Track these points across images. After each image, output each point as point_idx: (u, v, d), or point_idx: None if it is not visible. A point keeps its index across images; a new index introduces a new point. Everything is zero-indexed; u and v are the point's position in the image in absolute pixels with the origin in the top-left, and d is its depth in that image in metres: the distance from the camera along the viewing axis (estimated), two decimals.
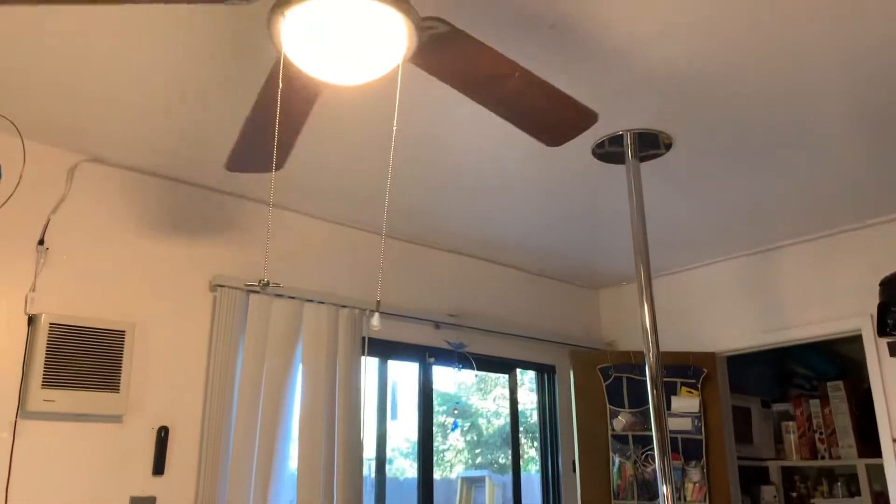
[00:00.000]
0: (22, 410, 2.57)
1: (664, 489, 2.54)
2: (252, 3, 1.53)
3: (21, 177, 2.58)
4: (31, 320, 2.65)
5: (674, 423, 3.76)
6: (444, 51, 1.69)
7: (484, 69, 1.80)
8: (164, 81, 2.38)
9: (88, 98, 2.47)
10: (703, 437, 3.81)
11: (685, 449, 3.79)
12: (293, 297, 3.26)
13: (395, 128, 1.77)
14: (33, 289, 2.68)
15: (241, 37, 2.13)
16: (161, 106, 2.54)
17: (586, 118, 2.08)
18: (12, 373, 2.58)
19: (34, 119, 2.60)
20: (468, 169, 3.07)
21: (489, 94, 1.92)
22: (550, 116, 2.04)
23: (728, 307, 4.18)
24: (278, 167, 2.13)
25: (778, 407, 5.07)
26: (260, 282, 1.73)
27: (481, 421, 4.89)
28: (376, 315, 1.71)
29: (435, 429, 3.91)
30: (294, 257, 3.43)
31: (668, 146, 2.86)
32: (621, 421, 3.86)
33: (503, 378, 4.46)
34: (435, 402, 3.93)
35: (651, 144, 2.82)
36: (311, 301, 3.32)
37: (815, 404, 4.85)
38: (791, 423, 4.92)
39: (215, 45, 2.17)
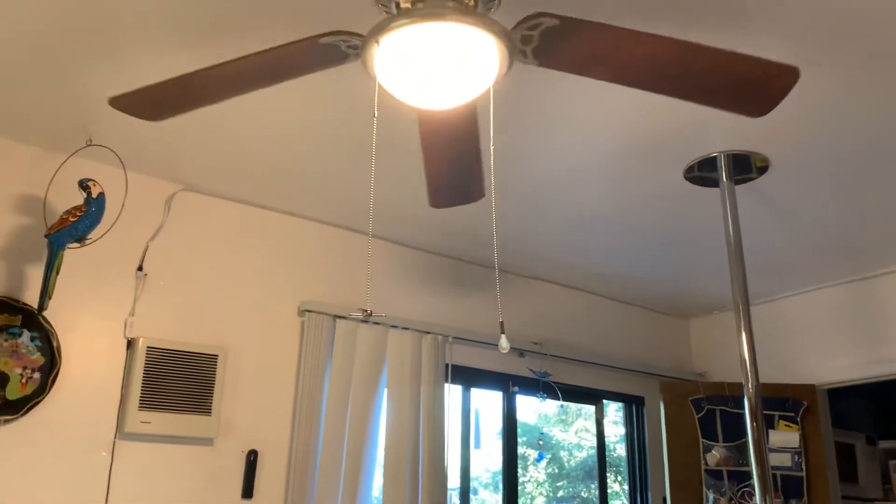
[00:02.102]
0: (120, 431, 2.65)
1: None
2: (355, 61, 1.58)
3: (123, 206, 2.69)
4: (130, 344, 2.74)
5: (772, 459, 3.57)
6: (566, 43, 1.60)
7: (634, 53, 1.62)
8: (256, 113, 2.45)
9: (184, 130, 2.56)
10: (803, 473, 3.60)
11: (784, 486, 3.59)
12: (378, 324, 3.28)
13: (492, 146, 1.74)
14: (132, 313, 2.78)
15: (335, 75, 2.17)
16: (253, 137, 2.61)
17: (788, 73, 1.67)
18: (112, 394, 2.67)
19: (136, 151, 2.72)
20: (555, 195, 3.03)
21: (655, 78, 1.71)
22: (740, 85, 1.71)
23: (828, 337, 3.96)
24: (478, 197, 2.24)
25: (885, 444, 4.76)
26: (363, 311, 1.73)
27: (563, 453, 4.77)
28: (503, 336, 1.67)
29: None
30: (378, 283, 3.45)
31: (764, 168, 2.74)
32: (715, 455, 3.69)
33: (585, 409, 4.35)
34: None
35: (745, 166, 2.72)
36: (395, 327, 3.33)
37: None
38: None
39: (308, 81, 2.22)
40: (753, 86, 1.70)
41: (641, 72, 1.69)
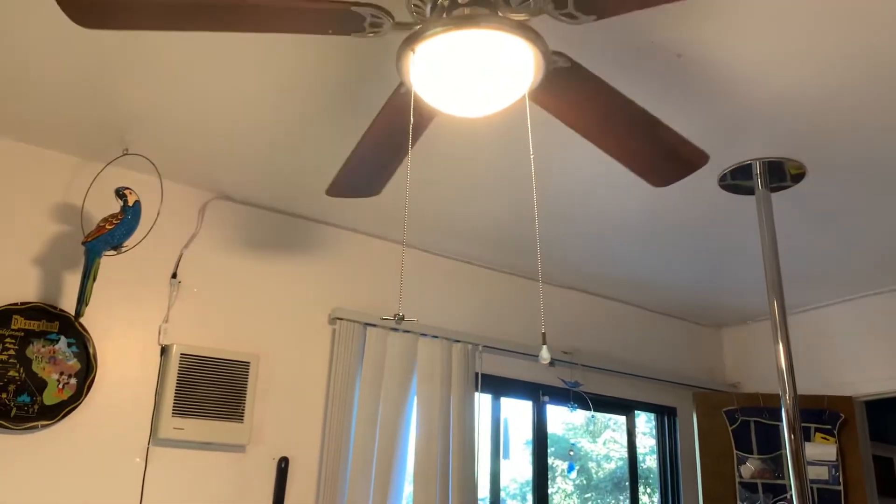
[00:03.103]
0: (154, 438, 2.67)
1: None
2: (382, 35, 1.55)
3: (158, 214, 2.72)
4: (164, 350, 2.77)
5: (809, 472, 3.50)
6: (561, 87, 1.67)
7: (599, 107, 1.76)
8: (289, 122, 2.47)
9: (219, 139, 2.59)
10: (841, 487, 3.52)
11: (821, 500, 3.52)
12: (408, 332, 3.27)
13: (532, 155, 1.74)
14: (166, 320, 2.81)
15: (369, 80, 2.18)
16: (285, 146, 2.63)
17: (696, 159, 2.04)
18: (146, 400, 2.70)
19: (171, 160, 2.75)
20: (587, 203, 3.01)
21: (600, 132, 1.89)
22: (658, 156, 2.00)
23: (866, 348, 3.88)
24: (375, 193, 2.19)
25: None
26: (395, 316, 1.72)
27: (591, 464, 4.72)
28: (544, 347, 1.66)
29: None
30: (408, 291, 3.45)
31: (800, 176, 2.70)
32: (750, 468, 3.63)
33: (614, 420, 4.30)
34: None
35: (781, 174, 2.68)
36: (425, 335, 3.32)
37: None
38: None
39: (342, 90, 2.23)
40: (669, 161, 2.02)
41: (599, 129, 1.89)
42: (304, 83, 2.24)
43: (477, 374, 3.44)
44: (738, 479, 3.63)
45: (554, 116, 1.80)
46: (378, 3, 1.52)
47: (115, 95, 2.35)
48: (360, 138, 1.96)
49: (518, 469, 3.88)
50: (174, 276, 2.87)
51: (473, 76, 1.53)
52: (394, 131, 1.85)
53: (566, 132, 2.43)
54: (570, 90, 1.71)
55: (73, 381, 2.55)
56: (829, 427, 3.63)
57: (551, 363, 3.80)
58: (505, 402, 3.69)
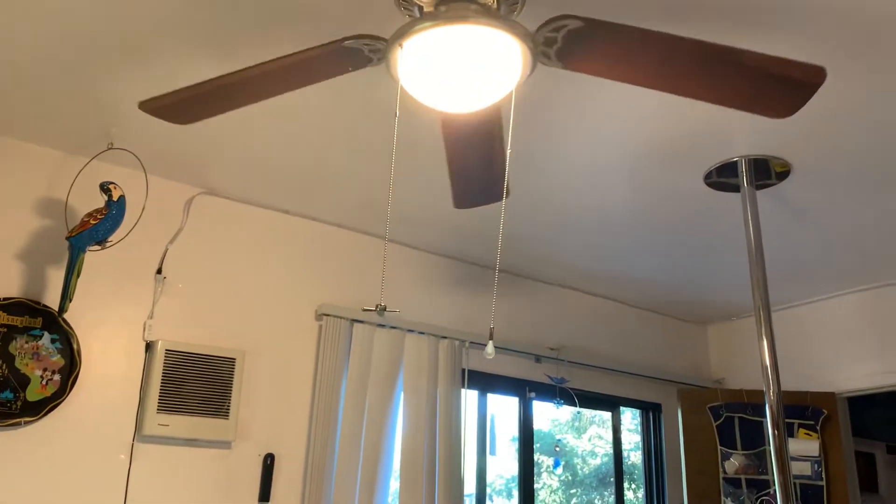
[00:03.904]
0: (139, 434, 2.66)
1: None
2: (378, 64, 1.58)
3: (143, 209, 2.70)
4: (149, 346, 2.75)
5: (792, 468, 3.52)
6: (590, 45, 1.59)
7: (651, 50, 1.60)
8: (276, 118, 2.45)
9: (204, 134, 2.58)
10: (823, 482, 3.56)
11: (804, 495, 3.56)
12: (395, 328, 3.27)
13: (508, 150, 1.73)
14: (151, 316, 2.79)
15: (354, 77, 2.17)
16: (272, 142, 2.62)
17: (814, 73, 1.63)
18: (131, 397, 2.68)
19: (156, 154, 2.73)
20: (573, 200, 3.02)
21: (666, 78, 1.68)
22: (769, 81, 1.66)
23: (849, 344, 3.92)
24: (499, 198, 2.19)
25: None
26: (377, 306, 1.72)
27: (576, 460, 4.74)
28: (490, 343, 1.66)
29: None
30: (395, 288, 3.45)
31: (785, 174, 2.72)
32: (734, 463, 3.66)
33: (599, 416, 4.32)
34: None
35: (766, 172, 2.70)
36: (412, 331, 3.32)
37: None
38: None
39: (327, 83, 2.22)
40: (778, 86, 1.66)
41: (664, 73, 1.67)
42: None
43: (464, 370, 3.44)
44: (722, 475, 3.65)
45: (614, 79, 1.70)
46: (362, 32, 1.58)
47: (101, 89, 2.33)
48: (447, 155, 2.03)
49: (504, 465, 3.89)
50: (159, 271, 2.85)
51: (461, 72, 1.53)
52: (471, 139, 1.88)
53: (553, 126, 2.45)
54: (601, 46, 1.60)
55: (57, 377, 2.53)
56: (812, 423, 3.66)
57: (537, 359, 3.82)
58: (491, 398, 3.70)
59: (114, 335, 2.71)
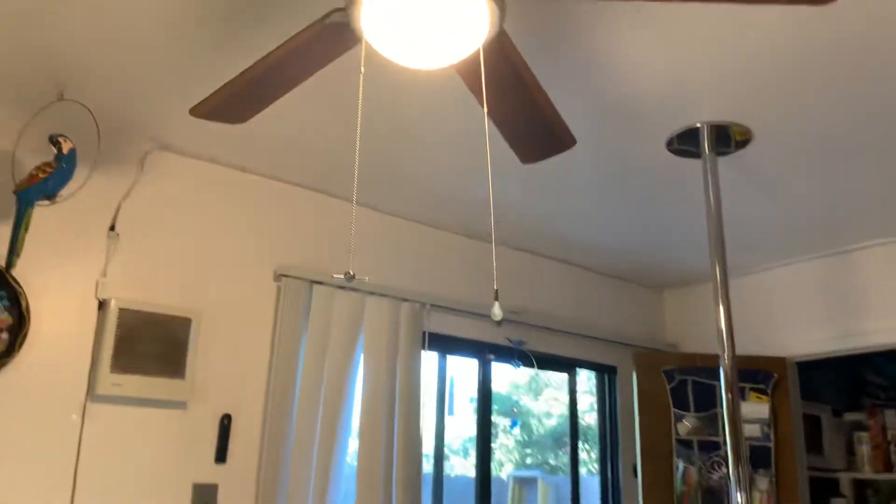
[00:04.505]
0: (91, 394, 2.60)
1: (739, 498, 2.43)
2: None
3: (95, 163, 2.61)
4: (102, 305, 2.68)
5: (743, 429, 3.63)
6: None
7: (510, 80, 1.76)
8: (232, 71, 2.38)
9: (159, 87, 2.49)
10: (772, 444, 3.67)
11: (753, 456, 3.66)
12: (356, 290, 3.25)
13: (486, 109, 1.70)
14: (104, 274, 2.72)
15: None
16: None
17: (567, 139, 2.09)
18: (82, 356, 2.62)
19: (109, 107, 2.63)
20: (535, 164, 2.99)
21: (500, 108, 1.89)
22: (533, 132, 2.02)
23: (801, 310, 4.01)
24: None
25: (850, 416, 4.86)
26: (346, 274, 1.69)
27: (532, 421, 4.82)
28: (496, 304, 1.66)
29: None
30: (357, 250, 3.42)
31: (746, 142, 2.74)
32: (686, 425, 3.74)
33: (555, 378, 4.37)
34: None
35: (728, 139, 2.71)
36: (373, 294, 3.30)
37: (890, 414, 4.64)
38: (864, 433, 4.71)
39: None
40: (542, 134, 1.98)
41: (501, 100, 1.82)
42: (248, 29, 2.16)
43: (424, 332, 3.44)
44: (674, 436, 3.74)
45: (464, 82, 1.80)
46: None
47: (51, 37, 2.22)
48: (262, 58, 1.87)
49: (461, 425, 3.93)
50: (112, 228, 2.77)
51: (426, 27, 1.49)
52: (300, 57, 1.78)
53: None
54: (490, 58, 1.71)
55: (5, 335, 2.45)
56: (762, 387, 3.76)
57: (499, 322, 3.83)
58: (451, 359, 3.71)
59: (65, 293, 2.63)
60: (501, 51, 1.66)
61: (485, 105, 1.61)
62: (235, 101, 1.94)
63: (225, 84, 1.82)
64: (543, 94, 1.81)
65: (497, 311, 1.64)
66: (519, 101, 1.83)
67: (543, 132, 1.97)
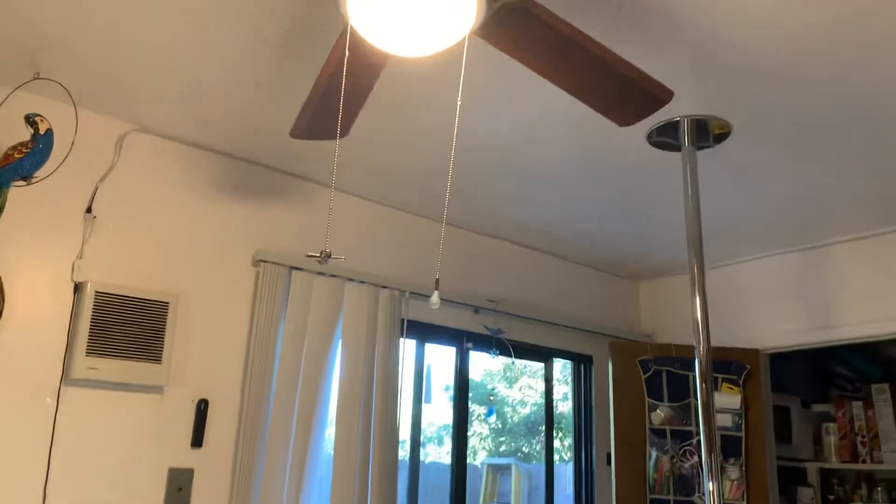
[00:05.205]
0: (66, 377, 2.58)
1: (710, 486, 2.48)
2: None
3: (73, 144, 2.58)
4: (77, 287, 2.65)
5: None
6: (513, 23, 1.61)
7: (553, 44, 1.69)
8: (215, 54, 2.35)
9: (140, 68, 2.46)
10: (743, 434, 3.73)
11: (724, 445, 3.72)
12: (335, 276, 3.24)
13: (459, 101, 1.71)
14: (80, 256, 2.68)
15: (298, 16, 2.09)
16: (211, 79, 2.51)
17: (661, 96, 1.93)
18: (58, 339, 2.59)
19: (87, 87, 2.59)
20: (514, 152, 3.01)
21: (560, 70, 1.81)
22: (622, 93, 1.90)
23: (774, 303, 4.08)
24: (343, 135, 2.12)
25: (818, 408, 4.96)
26: (321, 253, 1.69)
27: (507, 409, 4.86)
28: (435, 293, 1.67)
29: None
30: (335, 236, 3.41)
31: (725, 136, 2.77)
32: (660, 415, 3.80)
33: (530, 367, 4.40)
34: None
35: (708, 132, 2.74)
36: (352, 280, 3.30)
37: (857, 406, 4.74)
38: (832, 424, 4.82)
39: (270, 22, 2.14)
40: (632, 95, 1.91)
41: (558, 67, 1.79)
42: (232, 12, 2.14)
43: (403, 319, 3.45)
44: (648, 426, 3.79)
45: (512, 56, 1.76)
46: None
47: (26, 12, 2.18)
48: (316, 81, 1.92)
49: (437, 413, 3.95)
50: (89, 210, 2.73)
51: (414, 13, 1.49)
52: (349, 73, 1.80)
53: (497, 78, 2.43)
54: (525, 27, 1.66)
55: None
56: (735, 377, 3.82)
57: (476, 310, 3.85)
58: (429, 347, 3.73)
59: (40, 275, 2.60)
60: (539, 18, 1.62)
61: (459, 97, 1.61)
62: (322, 118, 2.02)
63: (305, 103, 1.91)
64: (610, 52, 1.76)
65: (435, 300, 1.66)
66: (582, 65, 1.78)
67: (628, 91, 1.89)
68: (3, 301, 2.47)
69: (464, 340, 3.84)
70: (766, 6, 2.01)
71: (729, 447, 3.72)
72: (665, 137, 2.79)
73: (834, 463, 4.78)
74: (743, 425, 3.74)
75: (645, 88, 1.89)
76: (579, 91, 1.91)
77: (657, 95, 1.92)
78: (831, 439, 4.80)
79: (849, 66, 2.28)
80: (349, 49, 1.59)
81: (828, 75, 2.34)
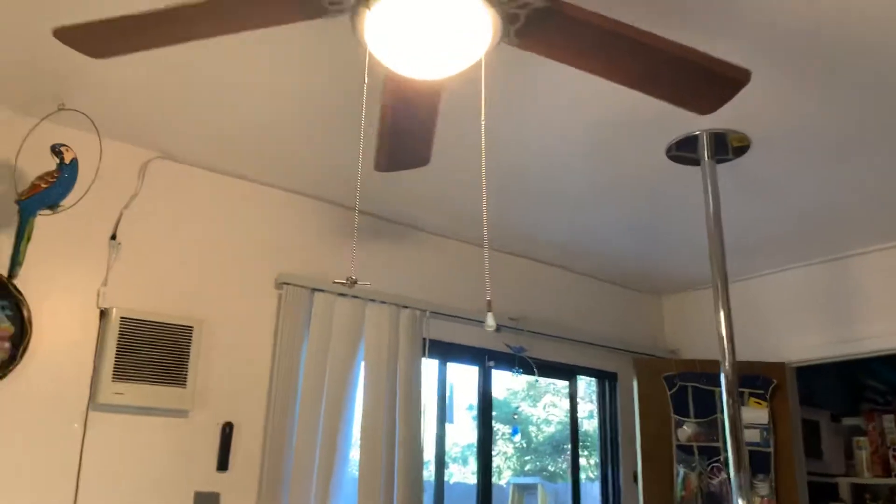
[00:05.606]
0: (93, 402, 2.61)
1: (740, 503, 2.44)
2: (346, 10, 1.52)
3: (97, 173, 2.62)
4: (103, 314, 2.69)
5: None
6: (550, 28, 1.59)
7: (598, 38, 1.63)
8: (235, 80, 2.39)
9: (162, 96, 2.50)
10: (771, 449, 3.67)
11: (753, 461, 3.66)
12: (356, 297, 3.25)
13: (483, 121, 1.71)
14: (105, 283, 2.72)
15: (318, 41, 2.12)
16: (232, 104, 2.55)
17: (738, 77, 1.78)
18: (85, 365, 2.62)
19: (110, 116, 2.64)
20: (535, 171, 3.01)
21: (613, 65, 1.74)
22: (693, 81, 1.78)
23: (800, 316, 4.03)
24: (424, 163, 2.17)
25: (848, 421, 4.87)
26: (347, 279, 1.70)
27: (531, 428, 4.82)
28: (490, 315, 1.67)
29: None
30: (356, 257, 3.43)
31: (744, 149, 2.76)
32: (686, 431, 3.75)
33: (553, 385, 4.37)
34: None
35: (727, 145, 2.73)
36: (373, 301, 3.31)
37: (888, 419, 4.65)
38: (863, 438, 4.72)
39: (289, 50, 2.17)
40: (707, 83, 1.78)
41: (611, 62, 1.72)
42: (252, 41, 2.17)
43: (424, 339, 3.45)
44: (675, 442, 3.74)
45: (559, 61, 1.72)
46: None
47: (52, 46, 2.22)
48: (380, 116, 1.96)
49: (460, 432, 3.93)
50: (114, 237, 2.77)
51: (431, 37, 1.50)
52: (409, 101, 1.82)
53: (517, 97, 2.44)
54: (563, 29, 1.61)
55: (7, 345, 2.46)
56: (762, 392, 3.76)
57: (497, 329, 3.84)
58: (451, 366, 3.72)
59: (66, 302, 2.64)
60: (570, 17, 1.57)
61: (482, 117, 1.62)
62: (398, 149, 2.02)
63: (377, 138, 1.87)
64: (667, 41, 1.67)
65: (491, 322, 1.65)
66: (636, 57, 1.71)
67: (698, 77, 1.77)
68: (31, 329, 2.50)
69: (486, 359, 3.82)
70: (777, 21, 2.01)
71: (757, 463, 3.66)
72: (684, 152, 2.78)
73: (866, 478, 4.68)
74: (771, 440, 3.68)
75: (716, 72, 1.75)
76: (644, 85, 1.81)
77: (733, 77, 1.77)
78: (863, 453, 4.70)
79: (868, 75, 2.27)
80: (391, 79, 1.61)
81: (846, 85, 2.33)
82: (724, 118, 2.55)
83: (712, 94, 1.84)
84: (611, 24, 1.60)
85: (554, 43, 1.64)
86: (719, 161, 2.81)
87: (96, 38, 1.69)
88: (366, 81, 1.62)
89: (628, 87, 1.81)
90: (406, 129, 1.99)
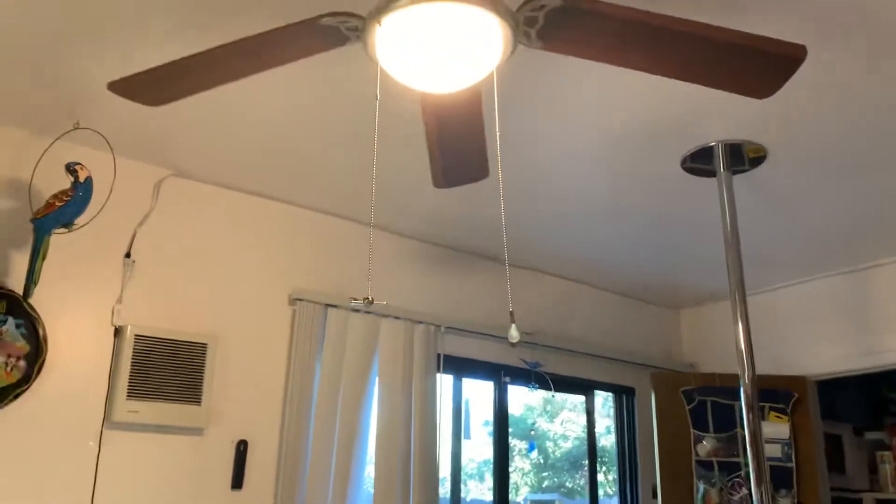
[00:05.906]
0: (108, 421, 2.60)
1: None
2: (355, 43, 1.54)
3: (111, 191, 2.63)
4: (118, 332, 2.69)
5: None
6: (572, 25, 1.55)
7: (630, 31, 1.57)
8: (247, 98, 2.40)
9: (174, 114, 2.51)
10: (793, 464, 3.61)
11: (774, 476, 3.60)
12: (370, 313, 3.24)
13: (497, 132, 1.70)
14: (120, 301, 2.72)
15: (330, 58, 2.12)
16: (244, 122, 2.56)
17: (794, 54, 1.65)
18: (99, 383, 2.62)
19: (124, 134, 2.66)
20: (549, 184, 3.00)
21: (653, 57, 1.66)
22: (744, 64, 1.67)
23: (820, 328, 3.97)
24: (482, 176, 2.17)
25: (872, 435, 4.78)
26: (365, 299, 1.69)
27: (548, 444, 4.77)
28: (513, 326, 1.66)
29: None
30: (371, 272, 3.41)
31: (760, 160, 2.73)
32: (706, 446, 3.69)
33: (571, 401, 4.33)
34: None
35: (743, 156, 2.70)
36: (387, 316, 3.29)
37: None
38: (887, 452, 4.63)
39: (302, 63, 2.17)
40: (760, 65, 1.66)
41: (647, 54, 1.65)
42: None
43: (439, 355, 3.42)
44: (694, 458, 3.69)
45: (594, 59, 1.67)
46: (338, 9, 1.53)
47: (66, 67, 2.25)
48: (426, 134, 1.97)
49: (476, 449, 3.90)
50: (128, 255, 2.78)
51: (442, 51, 1.50)
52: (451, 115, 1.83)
53: (530, 111, 2.43)
54: (583, 26, 1.56)
55: (22, 363, 2.46)
56: (782, 406, 3.71)
57: (513, 344, 3.80)
58: (466, 382, 3.69)
59: (81, 320, 2.64)
60: (593, 12, 1.52)
61: (497, 128, 1.60)
62: (452, 165, 2.02)
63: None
64: (708, 26, 1.57)
65: (514, 333, 1.63)
66: (676, 47, 1.62)
67: (749, 59, 1.65)
68: (46, 347, 2.51)
69: (502, 374, 3.79)
70: (794, 33, 1.99)
71: (779, 478, 3.59)
72: (699, 163, 2.76)
73: (891, 493, 4.58)
74: (793, 455, 3.62)
75: (769, 52, 1.63)
76: (692, 75, 1.72)
77: (788, 54, 1.64)
78: (887, 468, 4.62)
79: (885, 86, 2.24)
80: (427, 95, 1.61)
81: (863, 95, 2.30)
82: (738, 129, 2.53)
83: (768, 75, 1.70)
84: (634, 13, 1.54)
85: (579, 40, 1.60)
86: (735, 172, 2.78)
87: (147, 88, 1.76)
88: (377, 97, 1.61)
89: (675, 78, 1.72)
90: (454, 141, 1.99)
